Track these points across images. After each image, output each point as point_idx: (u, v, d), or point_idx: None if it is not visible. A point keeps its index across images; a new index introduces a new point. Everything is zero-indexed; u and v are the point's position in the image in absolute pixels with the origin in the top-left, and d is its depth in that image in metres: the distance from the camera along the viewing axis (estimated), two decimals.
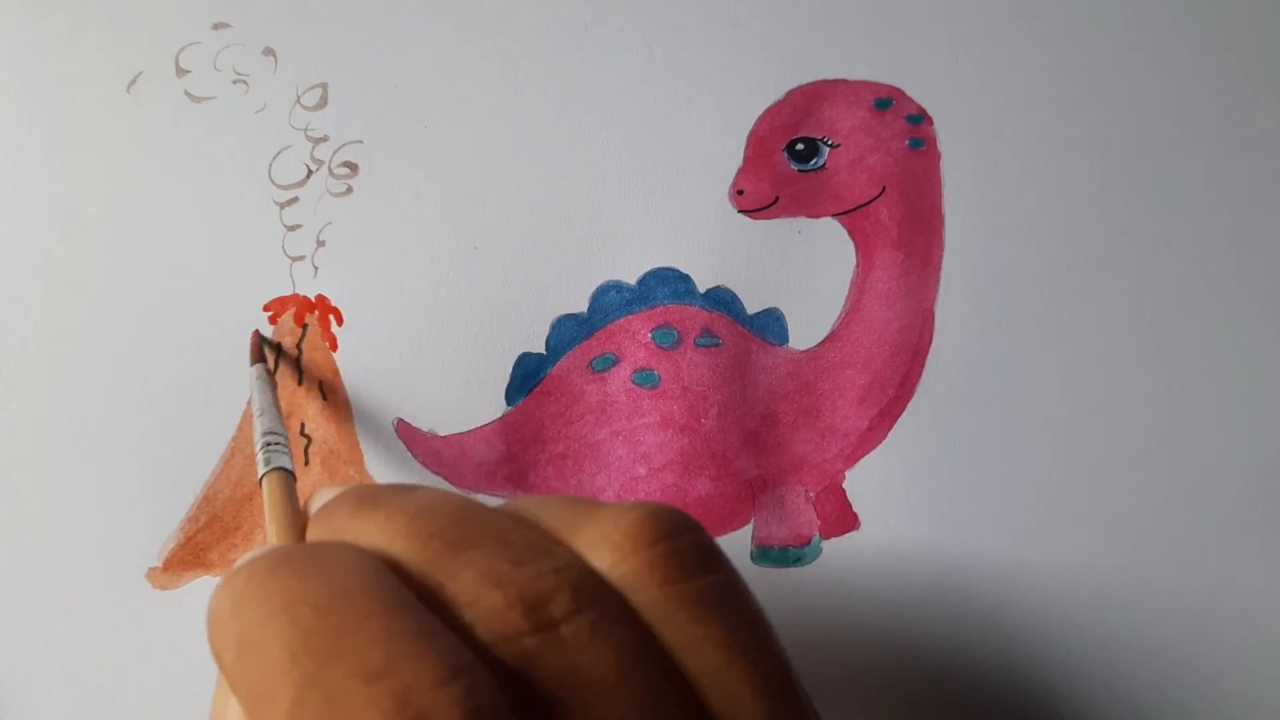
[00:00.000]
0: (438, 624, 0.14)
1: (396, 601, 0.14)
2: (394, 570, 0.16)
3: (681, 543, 0.16)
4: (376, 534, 0.16)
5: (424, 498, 0.17)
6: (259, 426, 0.27)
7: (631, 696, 0.14)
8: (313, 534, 0.18)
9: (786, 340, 0.34)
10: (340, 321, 0.33)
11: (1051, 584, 0.36)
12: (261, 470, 0.24)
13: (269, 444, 0.25)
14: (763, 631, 0.16)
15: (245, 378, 0.33)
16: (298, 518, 0.21)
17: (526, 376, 0.34)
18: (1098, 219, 0.34)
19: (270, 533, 0.21)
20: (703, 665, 0.15)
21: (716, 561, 0.16)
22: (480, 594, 0.15)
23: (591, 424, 0.34)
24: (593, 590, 0.15)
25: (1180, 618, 0.36)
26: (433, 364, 0.33)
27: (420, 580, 0.15)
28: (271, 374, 0.31)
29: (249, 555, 0.17)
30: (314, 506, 0.20)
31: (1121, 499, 0.35)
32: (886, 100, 0.34)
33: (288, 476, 0.24)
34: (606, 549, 0.16)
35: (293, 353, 0.33)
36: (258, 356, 0.31)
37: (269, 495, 0.23)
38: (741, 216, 0.34)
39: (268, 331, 0.33)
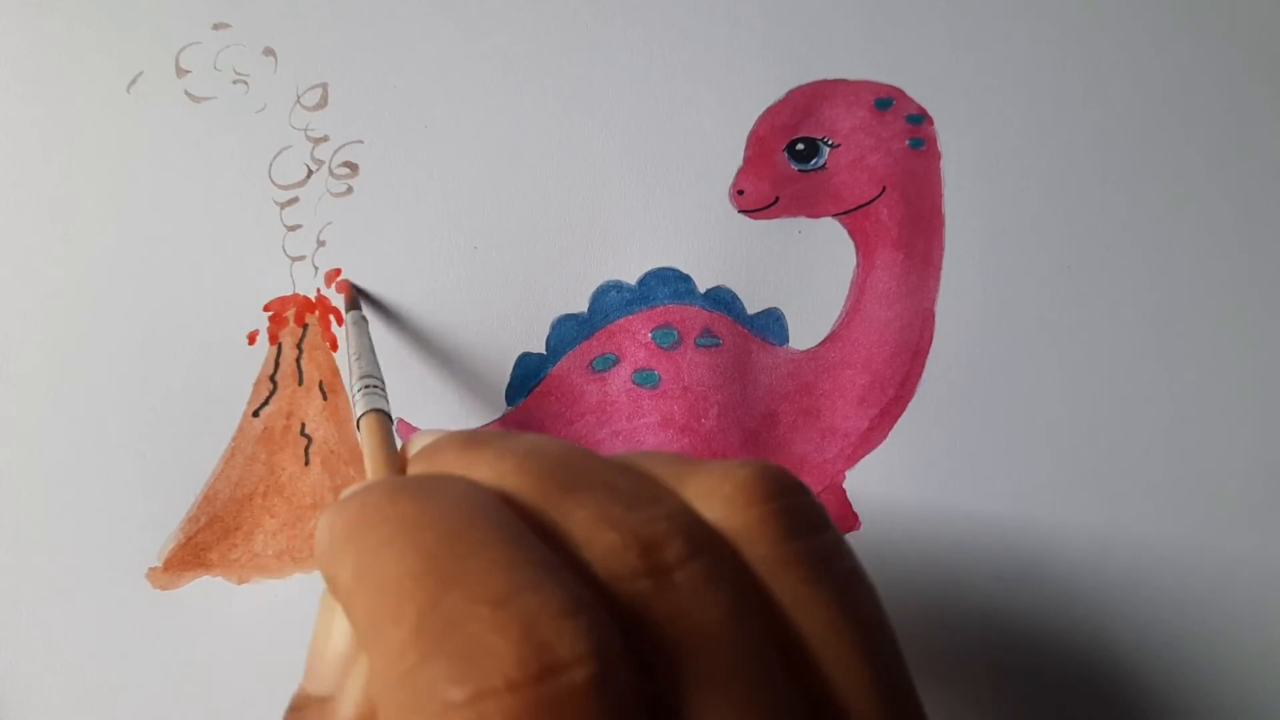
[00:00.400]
0: (556, 559, 0.14)
1: (516, 532, 0.14)
2: (510, 505, 0.15)
3: (793, 501, 0.16)
4: (487, 471, 0.16)
5: (532, 440, 0.17)
6: (356, 370, 0.26)
7: (741, 647, 0.14)
8: (416, 472, 0.18)
9: (787, 340, 0.34)
10: (340, 321, 0.33)
11: (1051, 584, 0.36)
12: (359, 411, 0.24)
13: (366, 386, 0.25)
14: (869, 596, 0.16)
15: (245, 377, 0.33)
16: (396, 458, 0.21)
17: (526, 376, 0.34)
18: (1098, 219, 0.34)
19: (370, 472, 0.21)
20: (810, 624, 0.15)
21: (827, 523, 0.16)
22: (595, 534, 0.15)
23: (592, 424, 0.34)
24: (705, 539, 0.15)
25: (1181, 617, 0.36)
26: (433, 364, 0.33)
27: (536, 516, 0.15)
28: (365, 320, 0.30)
29: (356, 486, 0.16)
30: (414, 449, 0.19)
31: (1121, 499, 0.35)
32: (887, 100, 0.34)
33: (385, 417, 0.23)
34: (717, 501, 0.16)
35: (293, 353, 0.33)
36: (353, 304, 0.31)
37: (367, 435, 0.22)
38: (742, 216, 0.34)
39: (265, 332, 0.33)
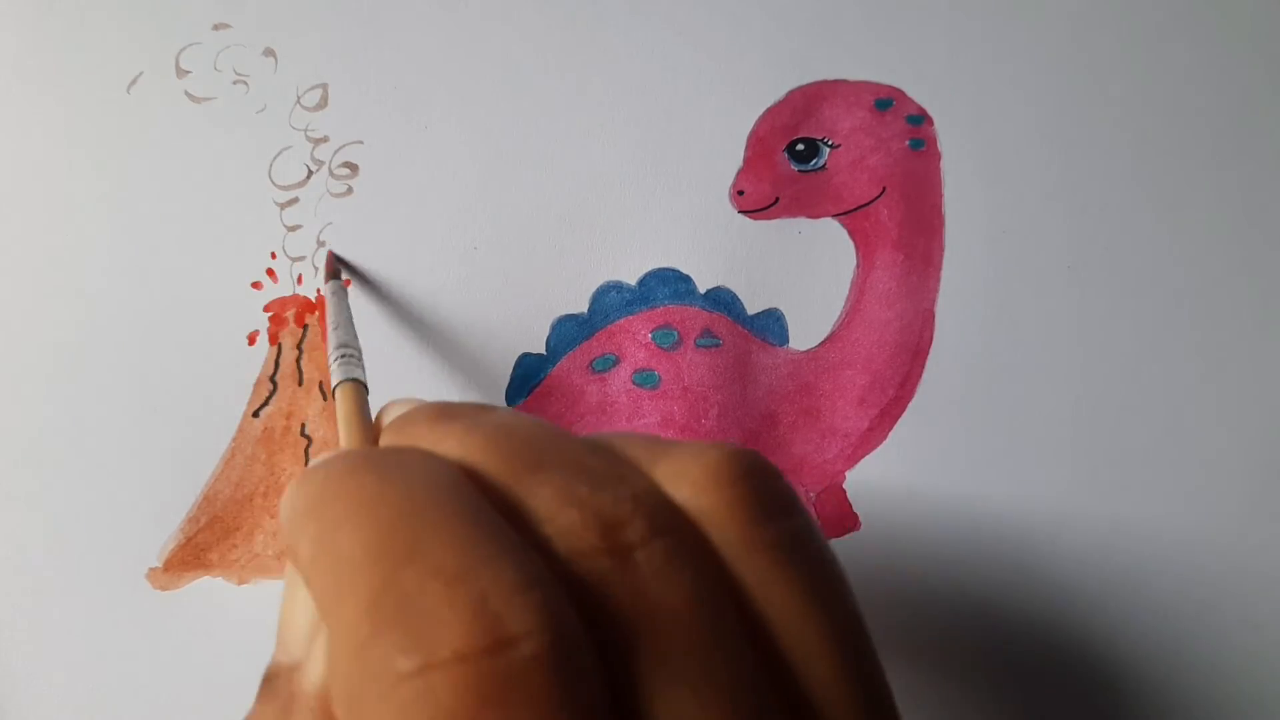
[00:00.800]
0: (515, 535, 0.14)
1: (475, 509, 0.14)
2: (473, 480, 0.15)
3: (762, 484, 0.16)
4: (455, 445, 0.16)
5: (504, 415, 0.17)
6: (333, 339, 0.26)
7: (701, 627, 0.14)
8: (386, 443, 0.18)
9: (787, 341, 0.34)
10: None
11: (1052, 584, 0.36)
12: (336, 380, 0.24)
13: (343, 356, 0.25)
14: (838, 582, 0.16)
15: (246, 378, 0.33)
16: (370, 429, 0.21)
17: (527, 377, 0.34)
18: (1098, 219, 0.34)
19: (343, 441, 0.21)
20: (777, 608, 0.15)
21: (797, 507, 0.16)
22: (557, 511, 0.15)
23: (592, 424, 0.34)
24: (669, 520, 0.15)
25: (1181, 617, 0.36)
26: (433, 364, 0.33)
27: (499, 492, 0.15)
28: (344, 290, 0.30)
29: (323, 456, 0.17)
30: (387, 419, 0.19)
31: (1122, 498, 0.35)
32: (887, 100, 0.34)
33: (361, 387, 0.24)
34: (685, 483, 0.16)
35: (293, 353, 0.33)
36: (333, 273, 0.31)
37: (342, 404, 0.23)
38: (742, 217, 0.34)
39: (265, 332, 0.33)
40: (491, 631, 0.13)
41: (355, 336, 0.27)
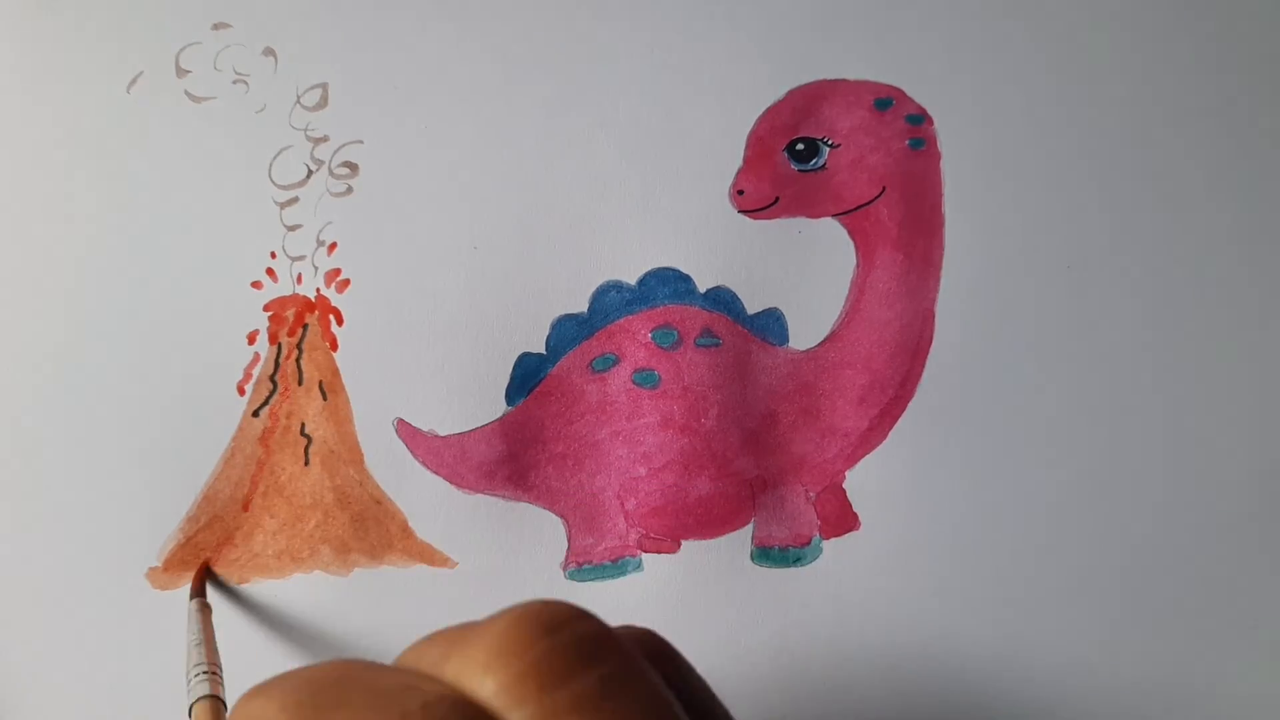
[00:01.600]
0: None
1: None
2: None
3: (556, 641, 0.14)
4: (269, 712, 0.15)
5: (307, 675, 0.16)
6: (193, 657, 0.29)
7: None
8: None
9: (787, 340, 0.34)
10: (340, 321, 0.33)
11: (1051, 582, 0.36)
12: (192, 698, 0.28)
13: (201, 674, 0.29)
14: (664, 715, 0.14)
15: (245, 377, 0.33)
16: None
17: (527, 376, 0.34)
18: (1097, 219, 0.34)
19: None
20: None
21: (601, 651, 0.15)
22: None
23: (592, 424, 0.34)
24: None
25: (1181, 617, 0.36)
26: (433, 364, 0.33)
27: None
28: (209, 607, 0.32)
29: None
30: None
31: (1121, 498, 0.35)
32: (886, 100, 0.34)
33: (219, 704, 0.28)
34: (479, 672, 0.14)
35: (293, 353, 0.33)
36: (197, 590, 0.33)
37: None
38: (742, 216, 0.34)
39: (265, 332, 0.33)
40: None
41: (216, 653, 0.30)
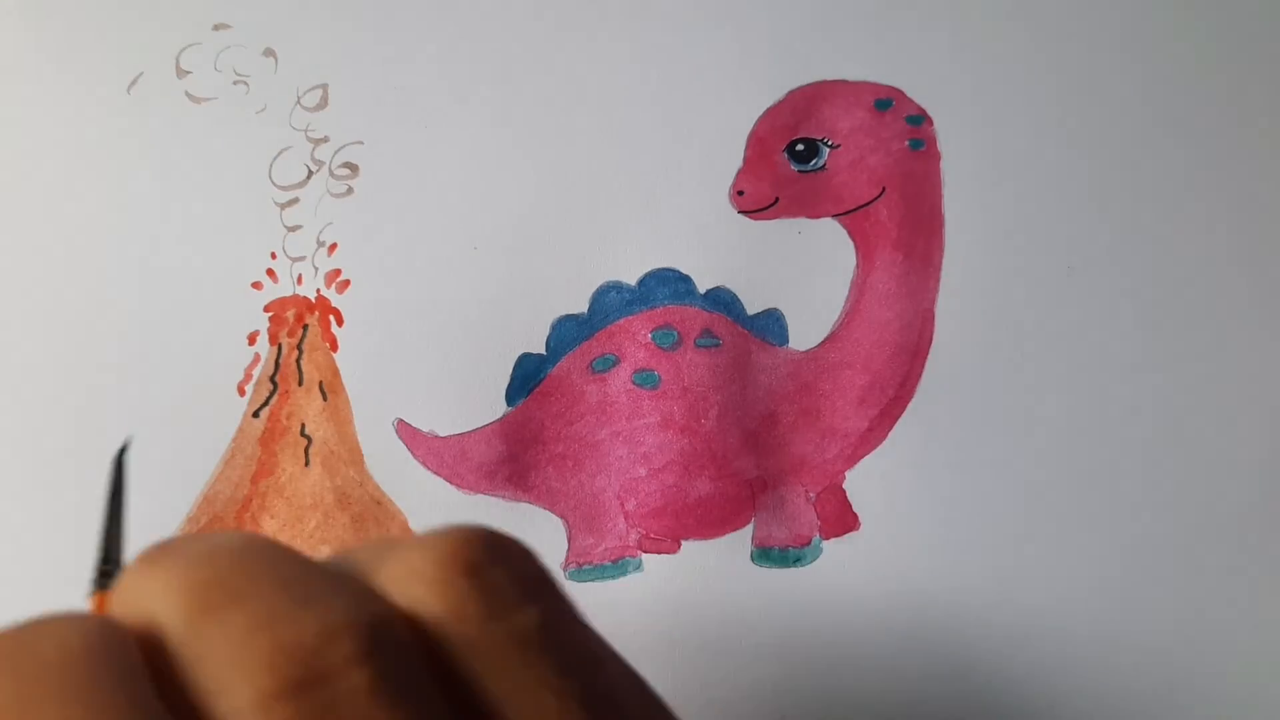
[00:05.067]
0: (151, 704, 0.12)
1: (92, 686, 0.12)
2: (139, 640, 0.13)
3: (504, 570, 0.14)
4: (153, 590, 0.14)
5: (218, 541, 0.14)
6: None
7: None
8: (115, 597, 0.16)
9: (786, 341, 0.34)
10: (340, 322, 0.33)
11: (1051, 584, 0.36)
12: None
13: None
14: (593, 667, 0.14)
15: (246, 378, 0.33)
16: None
17: (527, 377, 0.34)
18: (1097, 219, 0.34)
19: None
20: (531, 710, 0.13)
21: (546, 589, 0.14)
22: (244, 644, 0.12)
23: (592, 424, 0.34)
24: (388, 634, 0.13)
25: (1181, 616, 0.36)
26: (433, 364, 0.33)
27: (172, 646, 0.13)
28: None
29: None
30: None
31: (1121, 498, 0.35)
32: (886, 101, 0.34)
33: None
34: (416, 582, 0.14)
35: (293, 353, 0.33)
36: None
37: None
38: (742, 217, 0.34)
39: (265, 333, 0.33)
40: None
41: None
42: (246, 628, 0.13)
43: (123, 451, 0.28)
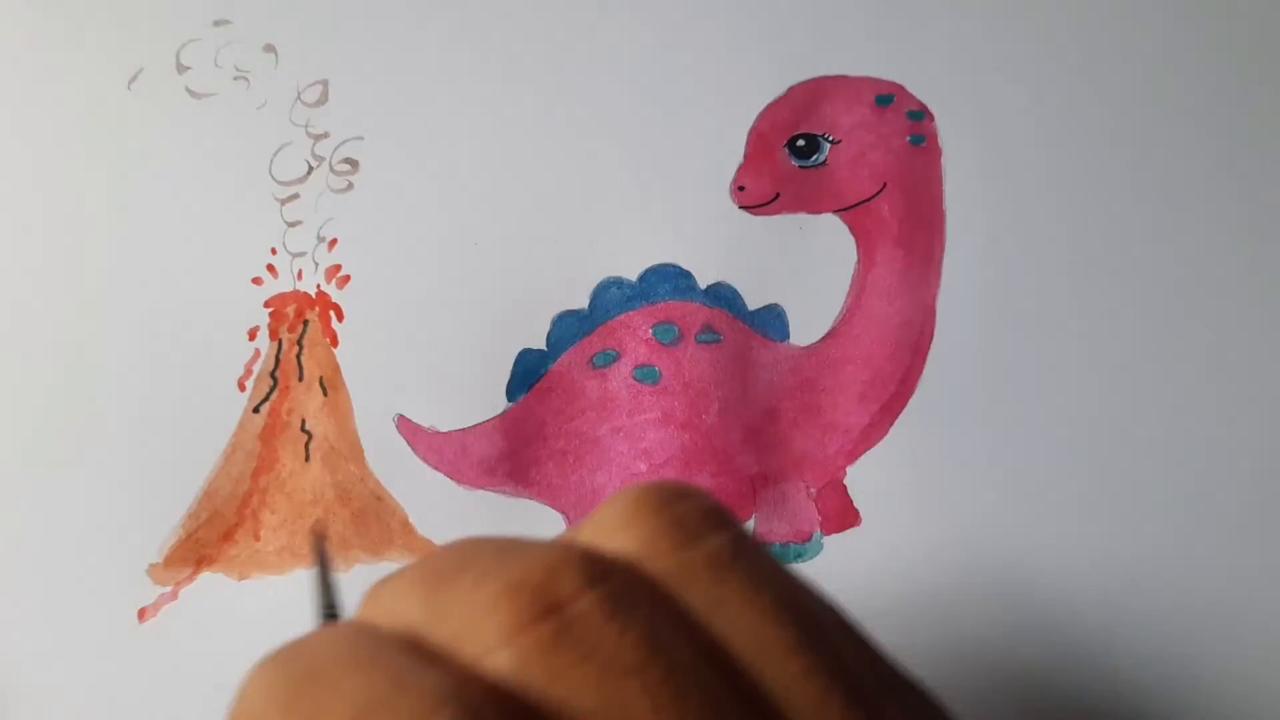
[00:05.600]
0: (416, 662, 0.14)
1: (371, 653, 0.14)
2: (410, 635, 0.15)
3: (686, 507, 0.15)
4: (391, 600, 0.16)
5: (431, 553, 0.17)
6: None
7: (662, 670, 0.13)
8: (363, 613, 0.18)
9: (788, 336, 0.34)
10: (341, 318, 0.33)
11: (1052, 580, 0.36)
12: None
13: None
14: (787, 581, 0.16)
15: (246, 373, 0.33)
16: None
17: (527, 373, 0.34)
18: (1099, 215, 0.34)
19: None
20: (730, 624, 0.15)
21: (727, 520, 0.16)
22: (473, 596, 0.14)
23: (592, 420, 0.34)
24: (603, 568, 0.14)
25: (1181, 615, 0.36)
26: (434, 360, 0.33)
27: (424, 635, 0.15)
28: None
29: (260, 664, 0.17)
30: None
31: (1122, 494, 0.35)
32: (887, 96, 0.34)
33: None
34: (611, 532, 0.15)
35: (293, 349, 0.33)
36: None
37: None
38: (743, 213, 0.34)
39: (266, 328, 0.33)
40: None
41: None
42: (475, 581, 0.14)
43: (321, 540, 0.28)
